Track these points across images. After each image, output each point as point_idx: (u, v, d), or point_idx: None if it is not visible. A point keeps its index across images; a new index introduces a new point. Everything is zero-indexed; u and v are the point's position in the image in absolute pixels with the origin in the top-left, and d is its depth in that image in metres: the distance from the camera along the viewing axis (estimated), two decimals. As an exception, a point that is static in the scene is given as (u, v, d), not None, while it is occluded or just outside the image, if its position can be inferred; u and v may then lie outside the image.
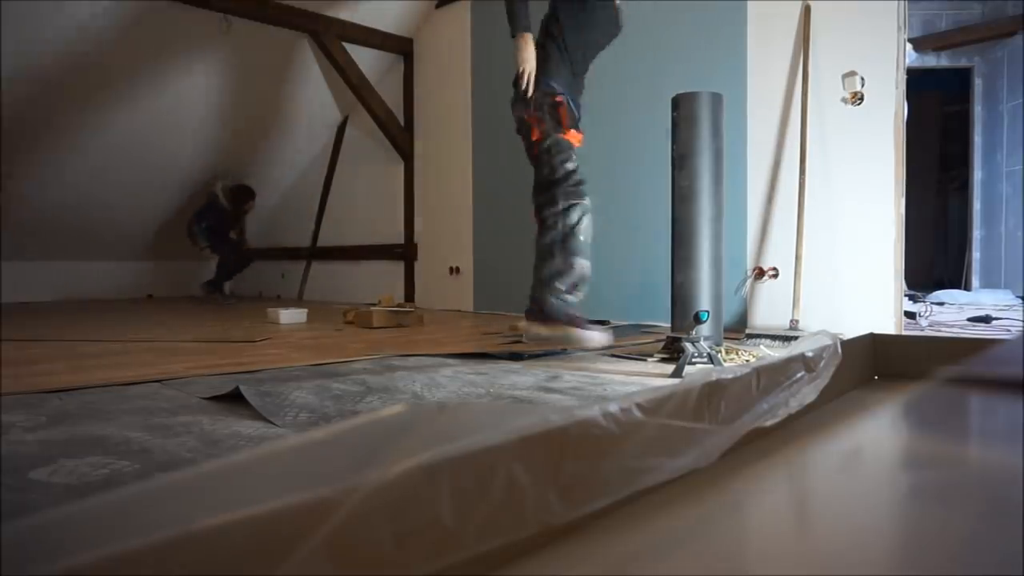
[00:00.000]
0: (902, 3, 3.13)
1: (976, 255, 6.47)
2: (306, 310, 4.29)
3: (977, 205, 6.46)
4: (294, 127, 6.01)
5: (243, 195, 6.06)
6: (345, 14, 5.16)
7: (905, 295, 3.36)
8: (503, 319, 4.27)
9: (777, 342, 2.88)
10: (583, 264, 2.57)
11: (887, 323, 3.10)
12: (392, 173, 5.72)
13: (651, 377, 2.25)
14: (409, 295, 5.58)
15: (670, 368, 2.40)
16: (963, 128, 6.76)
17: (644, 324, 3.80)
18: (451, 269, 5.22)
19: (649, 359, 2.57)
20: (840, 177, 3.29)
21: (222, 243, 6.07)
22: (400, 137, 5.57)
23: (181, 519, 0.35)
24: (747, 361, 2.25)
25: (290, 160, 6.39)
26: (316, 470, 0.45)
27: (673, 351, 2.65)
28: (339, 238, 6.25)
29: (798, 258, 3.32)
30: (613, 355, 2.70)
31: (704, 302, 2.68)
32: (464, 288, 5.12)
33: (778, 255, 3.48)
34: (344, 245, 6.15)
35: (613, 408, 0.61)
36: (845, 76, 3.19)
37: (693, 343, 2.43)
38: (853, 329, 3.16)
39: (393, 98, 5.59)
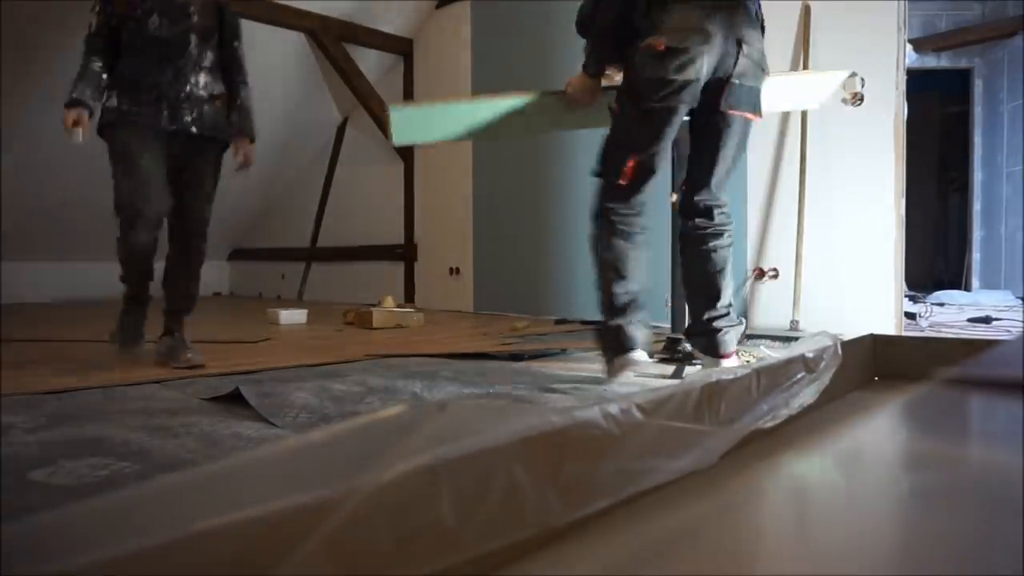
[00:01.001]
0: (902, 3, 3.13)
1: (976, 256, 6.46)
2: (306, 310, 4.28)
3: (977, 206, 6.46)
4: (294, 127, 6.01)
5: None
6: (345, 14, 5.16)
7: (905, 296, 3.36)
8: (503, 319, 4.27)
9: (777, 343, 2.88)
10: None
11: (887, 324, 3.10)
12: (392, 173, 5.72)
13: (651, 378, 2.25)
14: (409, 295, 5.57)
15: (670, 369, 2.39)
16: (963, 129, 6.76)
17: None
18: (451, 269, 5.22)
19: (649, 359, 2.57)
20: (840, 178, 3.29)
21: None
22: (400, 137, 5.58)
23: (181, 519, 0.35)
24: (747, 362, 2.25)
25: (290, 160, 6.38)
26: (316, 470, 0.45)
27: (673, 352, 2.65)
28: (339, 238, 6.24)
29: (798, 258, 3.32)
30: (613, 355, 2.69)
31: (704, 302, 2.68)
32: (464, 288, 5.12)
33: (778, 255, 3.48)
34: (344, 245, 6.15)
35: (613, 409, 0.61)
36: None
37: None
38: (853, 330, 3.15)
39: (393, 98, 5.59)
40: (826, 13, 3.33)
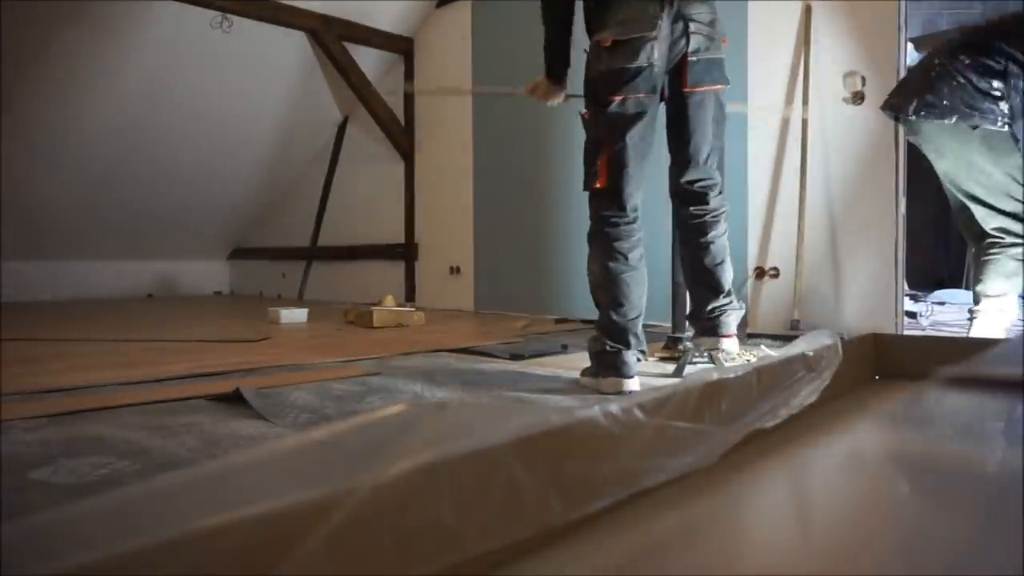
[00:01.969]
0: (903, 3, 3.13)
1: (977, 255, 6.45)
2: (307, 310, 4.29)
3: (977, 205, 6.44)
4: (294, 127, 6.00)
5: None
6: (345, 14, 5.16)
7: (906, 295, 3.35)
8: (504, 319, 4.27)
9: (778, 342, 2.88)
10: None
11: (888, 323, 3.10)
12: (392, 173, 5.71)
13: (651, 377, 2.25)
14: (409, 295, 5.57)
15: (670, 368, 2.40)
16: (964, 128, 6.74)
17: (644, 324, 3.80)
18: (451, 269, 5.22)
19: (649, 359, 2.57)
20: (841, 177, 3.28)
21: None
22: (400, 137, 5.57)
23: (181, 519, 0.35)
24: (748, 361, 2.25)
25: (290, 160, 6.38)
26: (316, 470, 0.45)
27: (673, 351, 2.65)
28: (339, 238, 6.24)
29: (798, 258, 3.32)
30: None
31: (704, 302, 2.68)
32: (464, 288, 5.12)
33: (778, 255, 3.48)
34: (344, 245, 6.15)
35: (613, 408, 0.61)
36: (846, 76, 3.19)
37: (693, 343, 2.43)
38: (854, 329, 3.16)
39: (393, 98, 5.59)
40: (827, 13, 3.33)
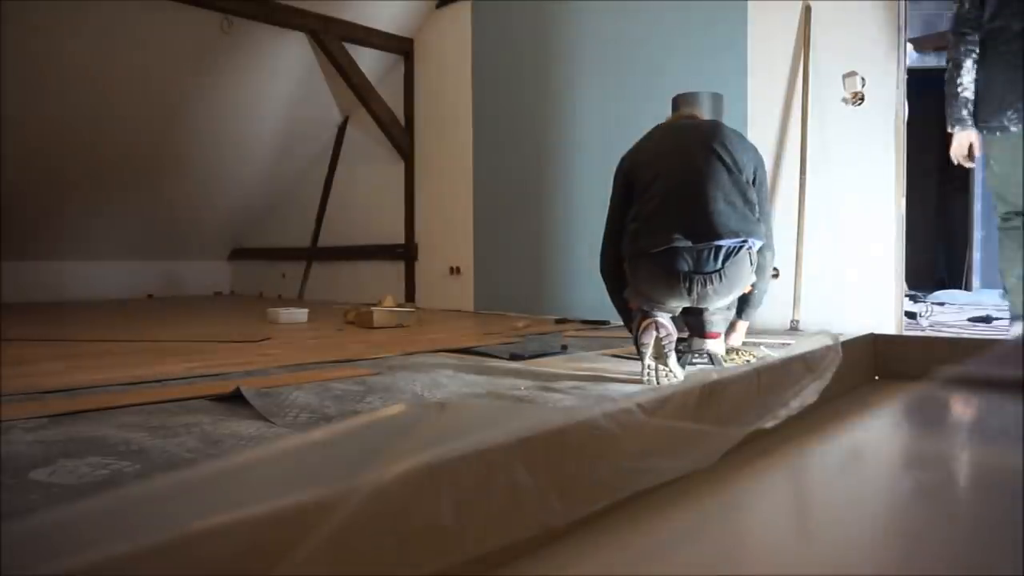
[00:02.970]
0: (902, 3, 3.13)
1: (976, 255, 6.46)
2: (307, 310, 4.28)
3: (977, 206, 6.44)
4: (294, 127, 6.01)
5: None
6: (345, 14, 5.16)
7: (906, 295, 3.35)
8: (504, 319, 4.27)
9: (778, 342, 2.87)
10: None
11: (888, 323, 3.10)
12: (392, 173, 5.72)
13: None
14: (409, 295, 5.57)
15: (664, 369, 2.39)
16: (963, 128, 6.74)
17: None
18: (451, 269, 5.22)
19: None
20: (841, 177, 3.28)
21: None
22: (400, 137, 5.57)
23: (181, 519, 0.35)
24: (747, 361, 2.25)
25: (290, 160, 6.39)
26: (316, 470, 0.45)
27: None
28: (339, 238, 6.24)
29: (798, 258, 3.32)
30: (614, 355, 2.69)
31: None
32: (464, 288, 5.12)
33: (778, 255, 3.47)
34: (344, 245, 6.15)
35: (613, 409, 0.61)
36: (846, 76, 3.19)
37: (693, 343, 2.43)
38: (854, 329, 3.15)
39: (393, 98, 5.58)
40: (826, 13, 3.33)
